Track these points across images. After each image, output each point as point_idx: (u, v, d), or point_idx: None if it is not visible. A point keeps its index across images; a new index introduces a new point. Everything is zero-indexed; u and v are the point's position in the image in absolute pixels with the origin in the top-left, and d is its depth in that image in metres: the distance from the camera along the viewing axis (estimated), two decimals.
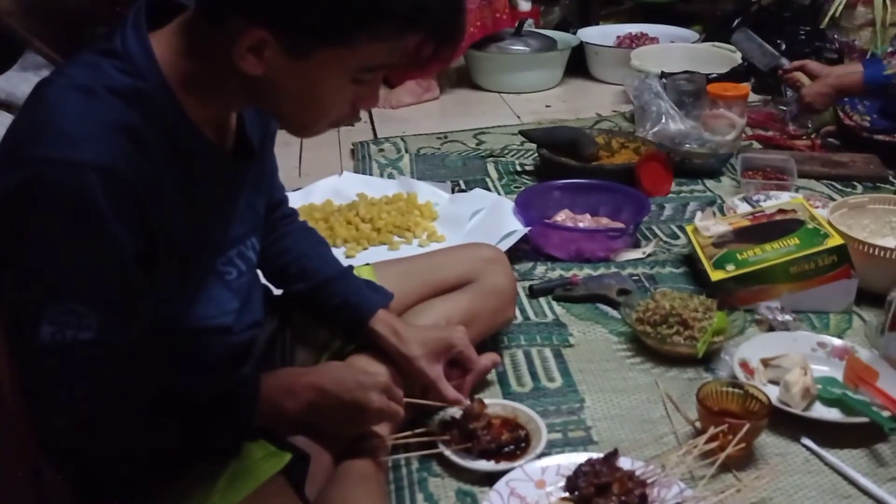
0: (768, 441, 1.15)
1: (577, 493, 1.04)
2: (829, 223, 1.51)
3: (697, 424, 1.18)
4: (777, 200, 1.80)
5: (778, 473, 1.09)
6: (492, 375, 1.30)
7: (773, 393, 1.20)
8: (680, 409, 1.23)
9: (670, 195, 1.98)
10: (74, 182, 0.74)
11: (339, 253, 1.69)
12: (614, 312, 1.48)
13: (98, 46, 0.81)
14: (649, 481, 1.05)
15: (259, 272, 1.13)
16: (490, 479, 1.08)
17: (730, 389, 1.17)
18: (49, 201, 0.75)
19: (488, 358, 1.26)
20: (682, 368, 1.32)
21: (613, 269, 1.63)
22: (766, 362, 1.27)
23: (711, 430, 1.07)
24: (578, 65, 2.91)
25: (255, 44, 0.77)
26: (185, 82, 0.82)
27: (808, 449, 1.15)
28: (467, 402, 1.15)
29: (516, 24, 2.83)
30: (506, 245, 1.58)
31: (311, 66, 0.79)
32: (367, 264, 1.32)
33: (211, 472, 0.91)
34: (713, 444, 1.07)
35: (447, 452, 1.12)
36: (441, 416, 1.17)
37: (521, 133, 2.14)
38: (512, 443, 1.13)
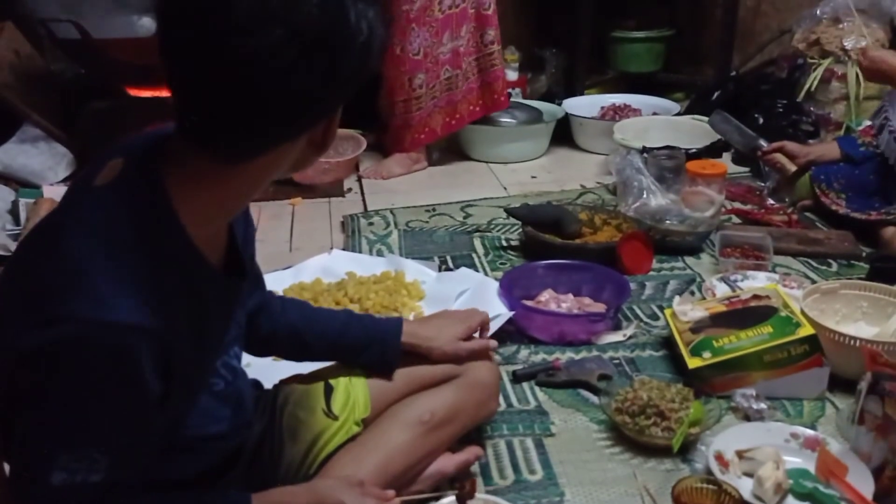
0: None
1: None
2: (802, 312, 1.56)
3: None
4: (754, 282, 1.86)
5: None
6: (474, 467, 1.33)
7: (746, 486, 1.23)
8: (657, 502, 1.27)
9: (651, 273, 2.03)
10: (116, 343, 0.77)
11: None
12: (595, 399, 1.52)
13: (108, 178, 0.84)
14: None
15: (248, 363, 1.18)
16: None
17: (704, 486, 1.21)
18: (89, 360, 0.76)
19: (472, 451, 1.30)
20: (660, 459, 1.36)
21: (595, 353, 1.67)
22: (740, 454, 1.31)
23: None
24: (564, 134, 3.00)
25: None
26: (188, 209, 0.85)
27: None
28: (494, 343, 1.37)
29: None
30: (491, 329, 1.62)
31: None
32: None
33: None
34: None
35: None
36: None
37: (506, 211, 2.20)
38: None
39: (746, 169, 2.69)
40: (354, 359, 1.26)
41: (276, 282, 1.91)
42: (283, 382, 1.30)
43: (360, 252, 2.14)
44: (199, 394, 0.98)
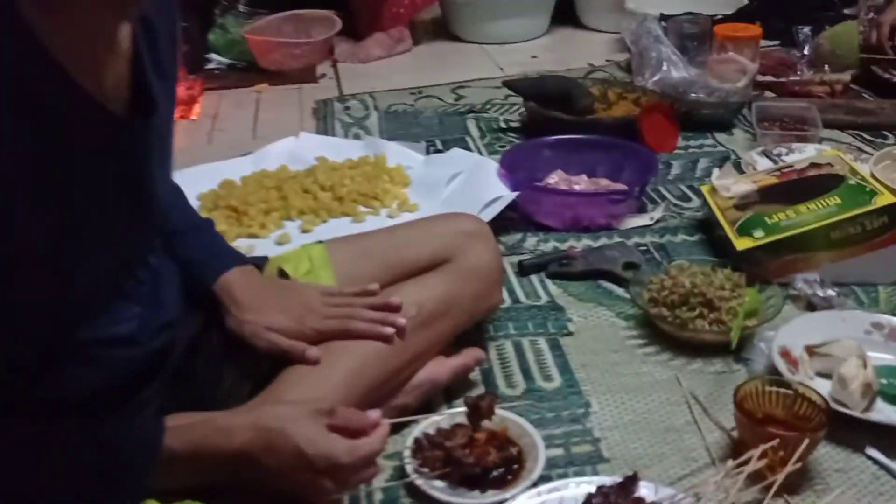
0: (824, 452, 0.92)
1: None
2: (875, 178, 1.26)
3: (734, 433, 0.94)
4: (802, 154, 1.56)
5: (842, 497, 0.85)
6: (475, 375, 1.06)
7: (823, 389, 0.96)
8: (709, 412, 0.99)
9: (677, 151, 1.73)
10: None
11: (293, 227, 1.45)
12: (621, 291, 1.24)
13: None
14: None
15: None
16: None
17: (775, 389, 0.93)
18: None
19: (470, 354, 1.03)
20: (708, 359, 1.08)
21: (617, 239, 1.39)
22: (811, 350, 1.03)
23: (761, 447, 0.83)
24: (567, 12, 2.63)
25: None
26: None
27: (876, 462, 0.91)
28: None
29: None
30: (489, 214, 1.33)
31: None
32: (320, 242, 1.06)
33: None
34: (760, 464, 0.83)
35: (419, 482, 0.87)
36: (416, 432, 0.92)
37: (506, 84, 1.88)
38: (501, 464, 0.89)
39: (776, 42, 2.34)
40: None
41: (234, 170, 1.61)
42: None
43: (334, 137, 1.83)
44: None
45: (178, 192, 0.96)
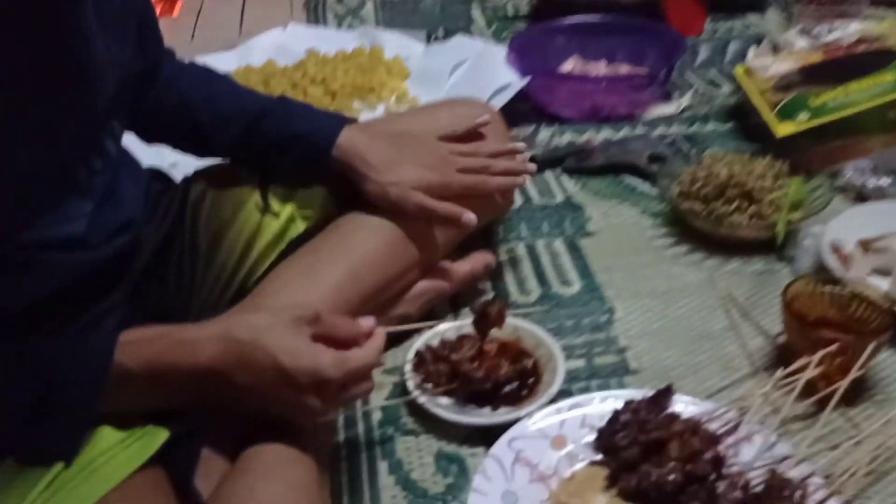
0: (882, 359, 0.80)
1: (614, 455, 0.69)
2: None
3: (781, 338, 0.83)
4: (847, 31, 1.39)
5: None
6: (483, 282, 0.94)
7: (879, 287, 0.84)
8: (750, 316, 0.88)
9: (703, 35, 1.56)
10: None
11: None
12: (646, 186, 1.11)
13: None
14: (721, 432, 0.70)
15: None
16: (484, 435, 0.75)
17: (827, 289, 0.81)
18: None
19: (478, 259, 0.91)
20: (747, 258, 0.96)
21: (640, 130, 1.25)
22: (866, 245, 0.91)
23: (819, 353, 0.72)
24: None
25: None
26: None
27: None
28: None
29: None
30: (498, 103, 1.19)
31: None
32: None
33: (26, 476, 0.57)
34: (814, 372, 0.72)
35: (422, 399, 0.77)
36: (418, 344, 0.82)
37: None
38: (515, 378, 0.79)
39: None
40: (267, 161, 0.83)
41: (216, 66, 1.43)
42: (200, 173, 0.88)
43: (326, 28, 1.67)
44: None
45: (222, 79, 0.86)
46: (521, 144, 0.90)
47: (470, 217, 0.82)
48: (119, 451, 0.59)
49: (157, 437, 0.61)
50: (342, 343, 0.65)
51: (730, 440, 0.70)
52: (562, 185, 1.13)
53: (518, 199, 1.09)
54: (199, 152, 0.87)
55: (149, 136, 0.85)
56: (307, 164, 0.81)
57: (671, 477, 0.66)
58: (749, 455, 0.69)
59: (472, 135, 0.89)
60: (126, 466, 0.59)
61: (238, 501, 0.59)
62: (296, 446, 0.65)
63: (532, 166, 0.90)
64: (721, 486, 0.65)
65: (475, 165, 0.85)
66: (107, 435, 0.60)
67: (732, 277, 0.94)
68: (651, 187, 1.10)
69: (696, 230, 1.00)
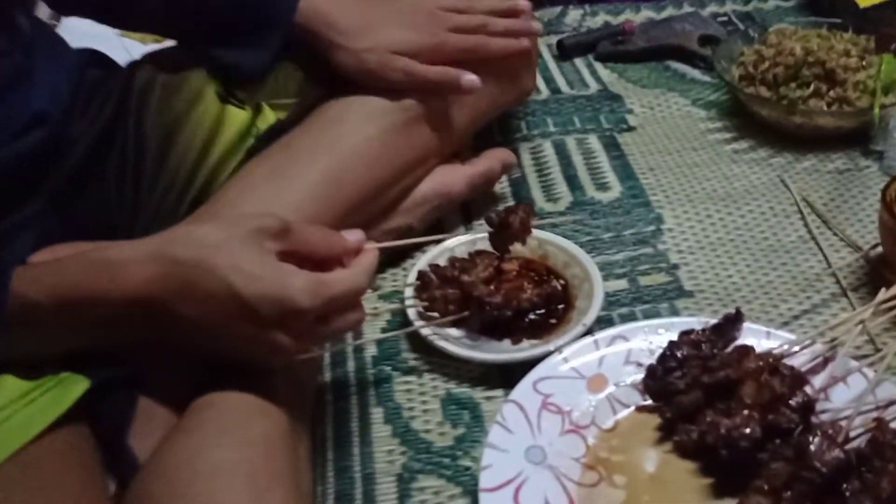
0: None
1: (668, 400, 0.55)
2: None
3: (876, 251, 0.66)
4: None
5: None
6: (502, 187, 0.78)
7: None
8: (832, 224, 0.71)
9: None
10: None
11: None
12: (697, 73, 0.94)
13: None
14: (807, 369, 0.55)
15: None
16: (503, 375, 0.60)
17: None
18: None
19: (495, 157, 0.75)
20: (825, 154, 0.80)
21: (687, 9, 1.06)
22: None
23: None
24: None
25: None
26: None
27: None
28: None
29: None
30: None
31: None
32: None
33: None
34: None
35: (427, 331, 0.62)
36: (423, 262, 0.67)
37: None
38: (541, 304, 0.64)
39: None
40: (211, 35, 0.65)
41: None
42: (149, 56, 0.71)
43: None
44: None
45: None
46: (524, 3, 0.72)
47: (470, 79, 0.66)
48: (21, 408, 0.45)
49: (74, 387, 0.47)
50: (320, 263, 0.50)
51: (818, 381, 0.55)
52: (595, 74, 0.96)
53: (543, 91, 0.92)
54: (124, 23, 0.70)
55: (62, 5, 0.69)
56: (262, 39, 0.64)
57: (746, 429, 0.51)
58: (844, 399, 0.54)
59: None
60: (30, 426, 0.45)
61: (176, 472, 0.45)
62: (262, 394, 0.50)
63: (538, 25, 0.73)
64: (812, 441, 0.50)
65: (470, 24, 0.68)
66: (9, 386, 0.46)
67: (808, 177, 0.78)
68: (703, 73, 0.93)
69: (761, 121, 0.83)
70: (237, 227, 0.48)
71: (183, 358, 0.52)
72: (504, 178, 0.78)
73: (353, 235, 0.52)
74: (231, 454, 0.46)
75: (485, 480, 0.51)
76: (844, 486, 0.48)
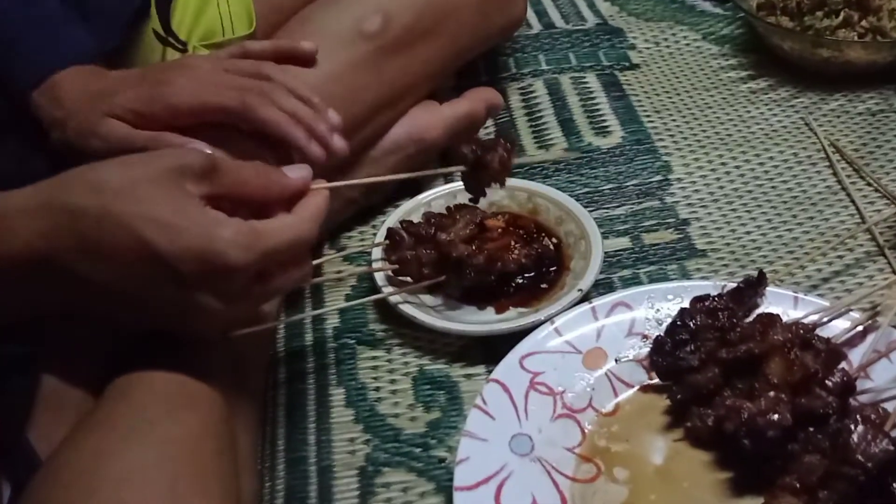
0: None
1: (678, 379, 0.46)
2: None
3: None
4: None
5: None
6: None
7: None
8: (865, 172, 0.62)
9: None
10: None
11: None
12: (708, 4, 0.86)
13: None
14: (843, 342, 0.47)
15: None
16: (486, 349, 0.52)
17: None
18: None
19: (478, 97, 0.66)
20: (855, 93, 0.72)
21: None
22: None
23: None
24: None
25: None
26: None
27: None
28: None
29: None
30: None
31: None
32: None
33: None
34: None
35: (396, 298, 0.53)
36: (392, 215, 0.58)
37: None
38: (530, 266, 0.56)
39: None
40: None
41: None
42: None
43: None
44: None
45: None
46: (334, 117, 0.50)
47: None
48: None
49: None
50: (258, 209, 0.41)
51: (857, 356, 0.47)
52: (593, 6, 0.87)
53: (534, 25, 0.82)
54: None
55: None
56: None
57: (774, 415, 0.42)
58: (888, 378, 0.46)
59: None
60: None
61: (78, 478, 0.36)
62: (192, 375, 0.41)
63: (340, 143, 0.50)
64: (854, 430, 0.42)
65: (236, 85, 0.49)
66: None
67: (836, 119, 0.70)
68: (715, 5, 0.84)
69: (783, 56, 0.74)
70: (149, 165, 0.39)
71: (99, 329, 0.43)
72: (489, 121, 0.69)
73: (296, 172, 0.43)
74: (147, 454, 0.37)
75: (461, 476, 0.43)
76: (894, 484, 0.40)
